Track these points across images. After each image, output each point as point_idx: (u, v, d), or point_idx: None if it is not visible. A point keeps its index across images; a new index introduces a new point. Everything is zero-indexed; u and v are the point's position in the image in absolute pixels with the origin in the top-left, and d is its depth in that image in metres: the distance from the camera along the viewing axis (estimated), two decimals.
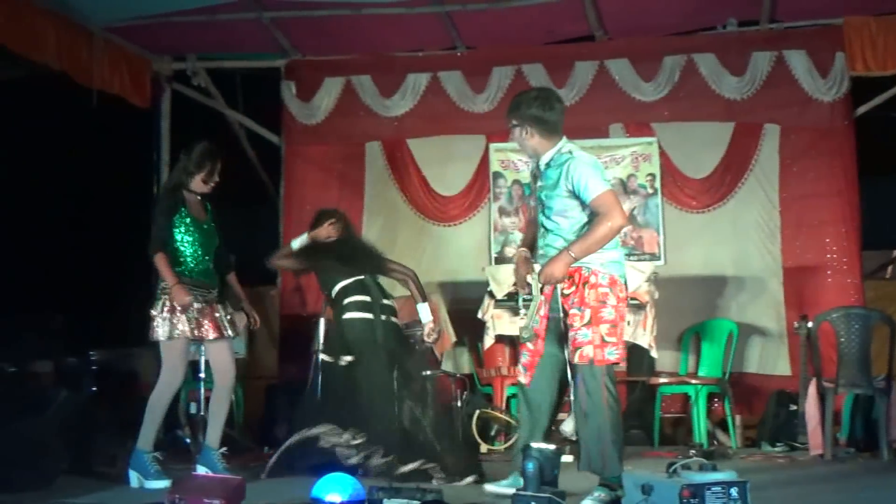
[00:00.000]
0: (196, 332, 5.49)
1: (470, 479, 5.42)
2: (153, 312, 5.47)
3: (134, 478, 5.45)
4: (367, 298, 5.88)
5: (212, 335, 5.55)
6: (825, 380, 6.65)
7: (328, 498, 4.37)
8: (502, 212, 8.44)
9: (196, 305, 5.49)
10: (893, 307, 7.58)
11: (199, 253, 5.60)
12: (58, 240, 8.97)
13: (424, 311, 6.11)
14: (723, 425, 7.56)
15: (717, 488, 3.92)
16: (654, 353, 7.30)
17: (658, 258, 8.11)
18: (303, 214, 6.36)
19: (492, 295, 7.48)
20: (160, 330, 5.44)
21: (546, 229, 4.76)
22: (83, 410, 6.10)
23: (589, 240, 4.55)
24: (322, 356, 6.04)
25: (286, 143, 8.89)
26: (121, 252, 5.60)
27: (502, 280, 7.42)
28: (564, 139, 4.76)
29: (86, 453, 5.93)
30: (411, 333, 6.42)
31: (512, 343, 7.78)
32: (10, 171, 8.49)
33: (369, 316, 5.86)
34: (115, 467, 5.87)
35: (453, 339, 7.81)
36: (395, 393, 5.78)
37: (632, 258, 7.84)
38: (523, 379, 4.78)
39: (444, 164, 8.61)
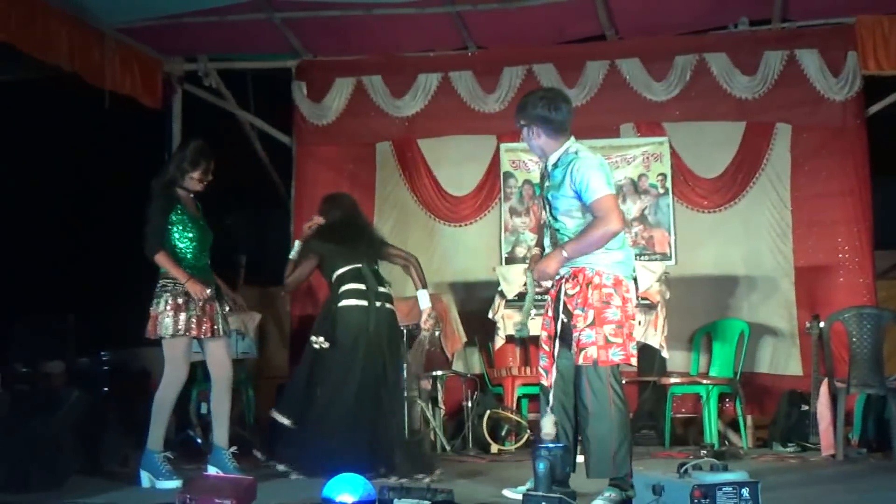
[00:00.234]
0: (198, 329, 5.49)
1: (436, 473, 5.56)
2: (155, 311, 5.46)
3: (145, 478, 5.46)
4: (363, 287, 5.91)
5: (210, 333, 5.55)
6: (837, 380, 6.64)
7: (339, 498, 4.37)
8: (513, 212, 8.44)
9: (199, 302, 5.48)
10: None
11: (198, 250, 5.60)
12: (69, 241, 9.01)
13: (423, 298, 6.13)
14: (734, 425, 7.55)
15: (729, 489, 3.92)
16: (664, 353, 7.31)
17: (669, 258, 8.09)
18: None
19: (502, 295, 7.49)
20: (164, 327, 5.43)
21: (553, 229, 4.76)
22: (95, 411, 6.09)
23: (582, 241, 4.55)
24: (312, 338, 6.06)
25: (297, 143, 8.90)
26: (133, 252, 5.59)
27: (513, 280, 7.43)
28: (572, 139, 4.74)
29: (98, 453, 5.93)
30: (416, 334, 6.44)
31: (523, 343, 7.79)
32: (24, 172, 8.54)
33: (363, 303, 5.89)
34: (126, 467, 5.89)
35: (464, 339, 7.82)
36: (376, 384, 5.82)
37: (643, 258, 7.84)
38: (545, 381, 4.77)
39: (455, 164, 8.62)
